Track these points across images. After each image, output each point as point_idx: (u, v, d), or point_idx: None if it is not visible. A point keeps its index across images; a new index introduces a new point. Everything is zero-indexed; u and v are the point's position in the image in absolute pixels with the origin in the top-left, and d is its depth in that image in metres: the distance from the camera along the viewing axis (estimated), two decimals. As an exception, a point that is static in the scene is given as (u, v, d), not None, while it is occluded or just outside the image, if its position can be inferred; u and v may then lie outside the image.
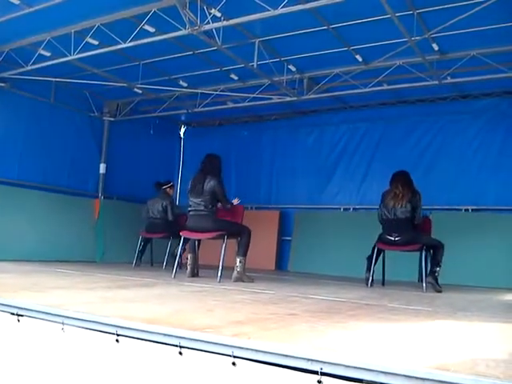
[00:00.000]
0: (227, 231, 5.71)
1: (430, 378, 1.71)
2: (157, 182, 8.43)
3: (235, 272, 5.71)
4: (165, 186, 8.29)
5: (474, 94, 8.35)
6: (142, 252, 8.36)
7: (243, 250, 5.79)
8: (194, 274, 6.13)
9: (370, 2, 5.37)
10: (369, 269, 6.04)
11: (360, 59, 7.19)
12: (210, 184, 5.80)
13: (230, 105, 9.22)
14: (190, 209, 5.96)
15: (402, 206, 5.82)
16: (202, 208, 5.81)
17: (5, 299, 3.01)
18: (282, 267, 9.69)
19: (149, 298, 3.90)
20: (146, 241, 8.48)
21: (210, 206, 5.81)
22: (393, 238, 5.87)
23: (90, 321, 2.55)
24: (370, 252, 6.14)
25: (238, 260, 5.75)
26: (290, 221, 9.89)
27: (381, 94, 8.28)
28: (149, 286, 4.80)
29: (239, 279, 5.68)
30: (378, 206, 6.18)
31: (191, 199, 5.91)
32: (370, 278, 5.98)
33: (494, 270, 7.37)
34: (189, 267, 6.11)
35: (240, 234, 5.85)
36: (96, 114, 9.57)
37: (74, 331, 2.57)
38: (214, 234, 5.79)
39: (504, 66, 6.65)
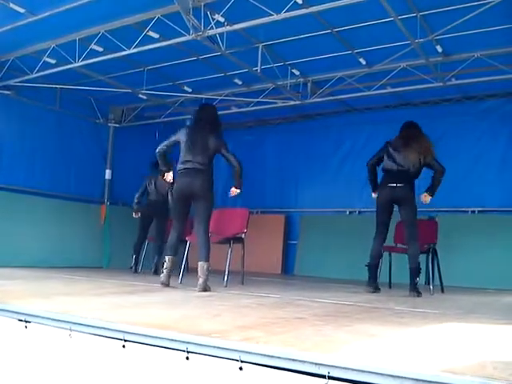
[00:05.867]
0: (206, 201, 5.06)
1: (439, 380, 1.71)
2: (156, 162, 7.74)
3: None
4: None
5: (478, 96, 8.31)
6: (138, 252, 7.71)
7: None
8: (169, 282, 5.08)
9: (372, 5, 5.36)
10: (372, 277, 5.52)
11: (364, 62, 7.19)
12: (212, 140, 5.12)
13: (234, 109, 9.23)
14: (183, 166, 5.13)
15: (417, 158, 5.47)
16: (200, 167, 5.07)
17: (12, 305, 3.02)
18: (288, 271, 9.67)
19: (155, 303, 3.91)
20: (144, 233, 7.85)
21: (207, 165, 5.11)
22: (394, 184, 5.53)
23: (98, 327, 2.56)
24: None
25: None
26: (296, 224, 9.89)
27: (385, 96, 8.27)
28: (155, 291, 4.80)
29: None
30: None
31: (188, 157, 5.10)
32: (372, 287, 5.50)
33: (501, 271, 7.32)
34: (165, 271, 5.05)
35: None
36: (101, 120, 9.61)
37: (82, 337, 2.58)
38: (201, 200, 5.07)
39: (508, 67, 6.63)
